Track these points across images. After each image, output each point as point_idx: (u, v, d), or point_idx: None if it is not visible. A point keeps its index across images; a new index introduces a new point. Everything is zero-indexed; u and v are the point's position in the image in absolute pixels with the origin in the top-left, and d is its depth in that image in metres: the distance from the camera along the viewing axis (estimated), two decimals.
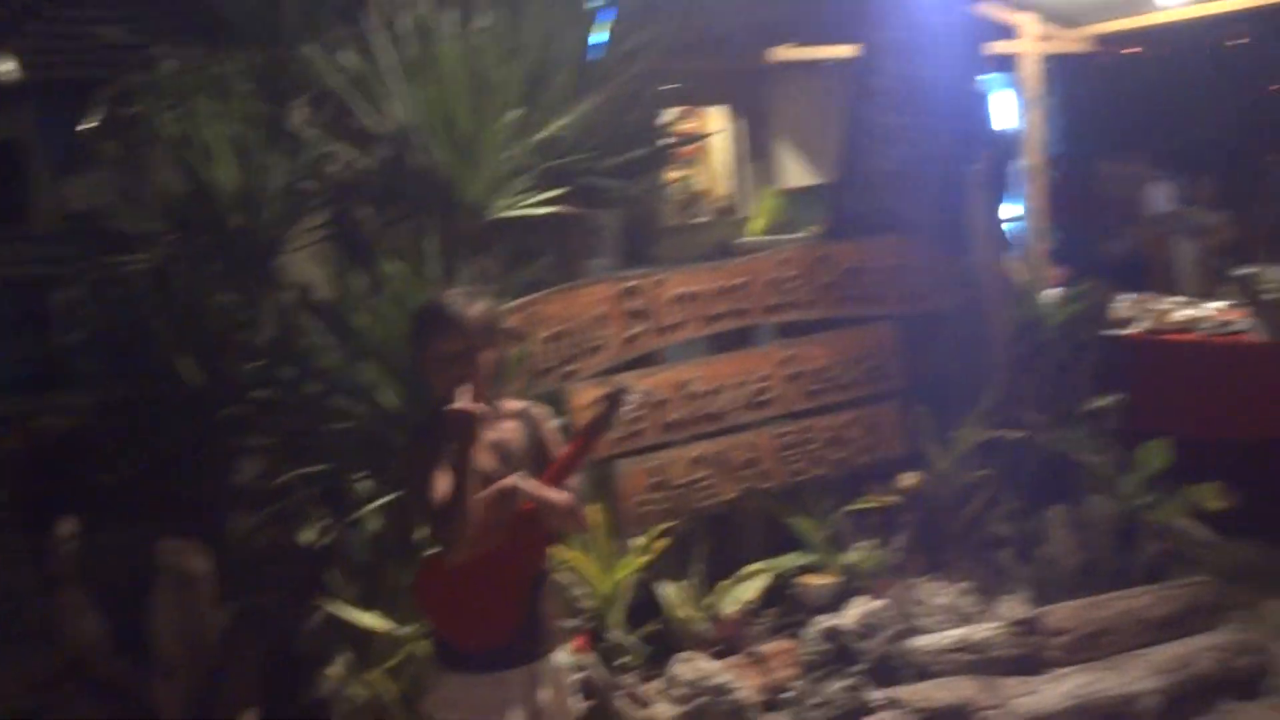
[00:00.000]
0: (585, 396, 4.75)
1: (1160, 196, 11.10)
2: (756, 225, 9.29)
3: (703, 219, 9.31)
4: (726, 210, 9.66)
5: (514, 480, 3.54)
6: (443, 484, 3.36)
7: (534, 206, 5.08)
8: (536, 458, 3.69)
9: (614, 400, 3.91)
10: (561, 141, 5.26)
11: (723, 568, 5.01)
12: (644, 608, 4.83)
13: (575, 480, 3.72)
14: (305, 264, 5.08)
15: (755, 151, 9.77)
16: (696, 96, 8.37)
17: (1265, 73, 12.86)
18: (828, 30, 8.40)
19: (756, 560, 5.06)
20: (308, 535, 4.52)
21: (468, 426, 3.44)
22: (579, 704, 3.95)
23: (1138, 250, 9.27)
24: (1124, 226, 10.11)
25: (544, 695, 3.63)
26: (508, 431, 3.68)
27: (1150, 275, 8.64)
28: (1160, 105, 12.28)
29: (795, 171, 9.78)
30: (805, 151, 9.83)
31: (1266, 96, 13.21)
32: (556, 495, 3.60)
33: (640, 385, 4.79)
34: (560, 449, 3.79)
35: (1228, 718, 4.81)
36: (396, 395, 4.46)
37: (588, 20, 5.52)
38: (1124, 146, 11.53)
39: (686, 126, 7.54)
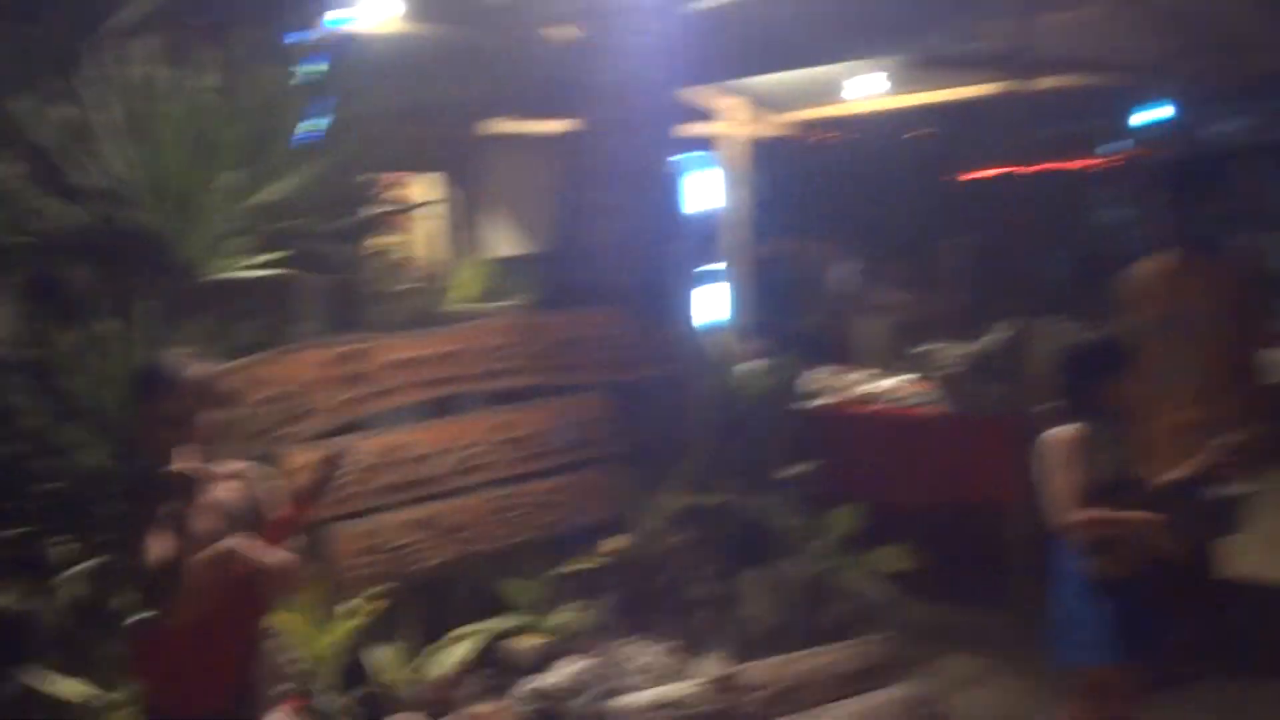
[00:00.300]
0: (301, 459, 4.75)
1: (849, 275, 11.74)
2: (464, 293, 9.39)
3: (411, 285, 9.37)
4: (435, 277, 9.73)
5: (232, 542, 3.56)
6: (159, 546, 3.34)
7: (252, 269, 5.09)
8: (256, 519, 3.71)
9: (332, 464, 3.97)
10: (282, 205, 5.30)
11: (435, 630, 5.06)
12: (356, 671, 4.85)
13: (293, 542, 3.76)
14: (6, 321, 4.94)
15: (466, 219, 9.90)
16: (412, 163, 8.47)
17: (946, 162, 13.80)
18: (539, 106, 8.64)
19: (468, 622, 5.13)
20: (4, 601, 4.38)
21: (184, 488, 3.45)
22: None
23: (828, 325, 9.77)
24: (816, 302, 10.65)
25: None
26: (228, 492, 3.69)
27: (839, 349, 9.10)
28: (852, 189, 13.00)
29: (504, 240, 9.95)
30: (514, 221, 10.00)
31: (946, 184, 14.17)
32: (274, 558, 3.63)
33: (357, 449, 4.83)
34: (280, 511, 3.83)
35: None
36: (105, 456, 4.38)
37: (313, 86, 5.59)
38: (818, 227, 12.16)
39: (400, 193, 7.63)
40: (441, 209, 9.36)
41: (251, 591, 3.63)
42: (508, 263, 9.60)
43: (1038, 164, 16.00)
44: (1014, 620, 6.18)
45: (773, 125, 9.77)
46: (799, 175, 12.53)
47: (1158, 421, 5.26)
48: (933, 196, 13.86)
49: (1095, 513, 4.31)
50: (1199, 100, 13.48)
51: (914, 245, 12.22)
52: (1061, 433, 4.41)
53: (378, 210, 6.23)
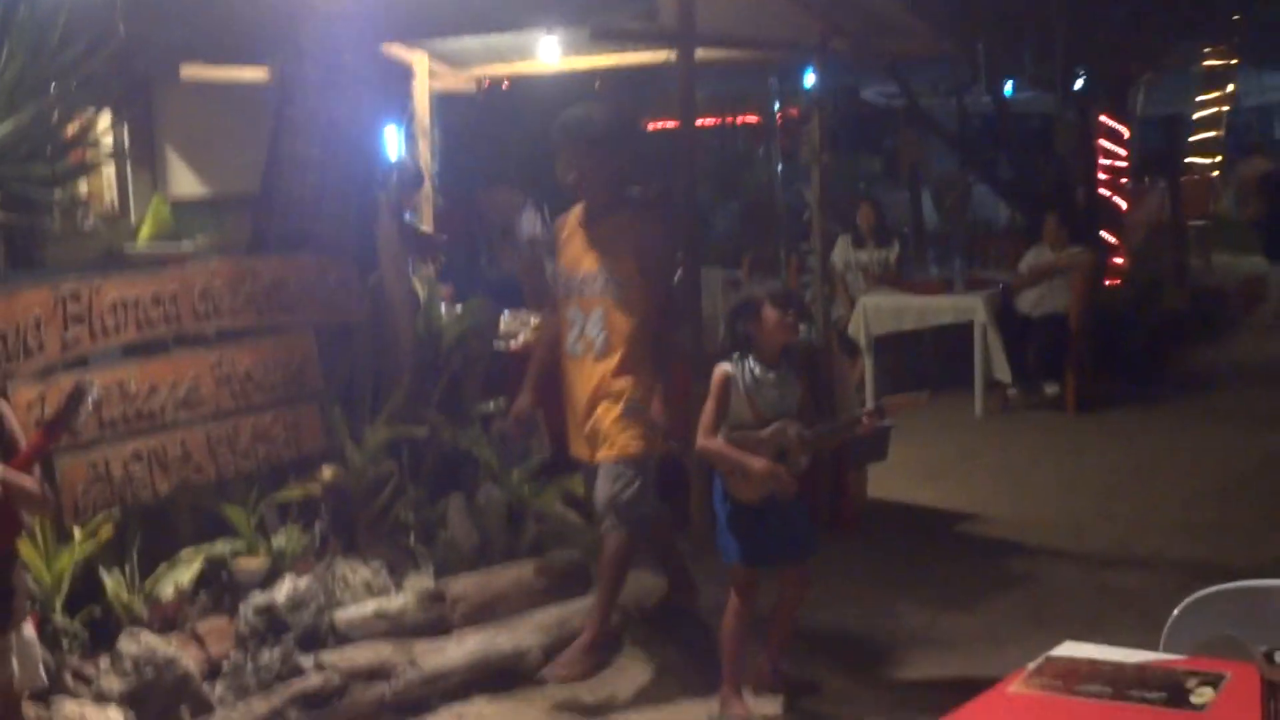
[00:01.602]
0: (26, 395, 4.96)
1: (531, 221, 12.29)
2: (145, 234, 9.46)
3: (91, 225, 9.37)
4: (114, 217, 9.75)
5: None
6: None
7: None
8: (3, 447, 4.00)
9: (78, 395, 4.29)
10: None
11: (161, 554, 5.37)
12: (85, 593, 5.12)
13: (36, 469, 4.07)
14: None
15: (151, 159, 9.95)
16: (100, 102, 8.51)
17: (625, 116, 14.46)
18: (232, 53, 8.81)
19: (191, 547, 5.45)
20: None
21: None
22: (43, 677, 4.28)
23: (514, 270, 10.30)
24: (501, 248, 11.16)
25: (14, 666, 3.96)
26: None
27: (525, 293, 9.63)
28: (531, 140, 13.54)
29: (184, 182, 10.05)
30: (195, 163, 10.10)
31: (636, 133, 14.86)
32: (28, 481, 3.95)
33: (96, 384, 5.06)
34: (26, 440, 4.13)
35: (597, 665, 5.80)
36: None
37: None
38: (499, 176, 12.67)
39: (92, 133, 7.68)
40: (128, 148, 9.43)
41: (5, 511, 3.94)
42: (186, 204, 9.75)
43: (705, 120, 17.03)
44: (685, 537, 6.91)
45: (456, 79, 10.18)
46: (480, 127, 13.00)
47: (579, 374, 5.73)
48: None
49: (714, 445, 5.08)
50: (852, 70, 14.68)
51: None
52: (717, 369, 5.15)
53: (77, 153, 6.39)
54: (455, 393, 6.73)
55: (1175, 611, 3.33)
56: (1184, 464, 8.89)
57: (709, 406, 5.11)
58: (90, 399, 4.57)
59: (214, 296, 5.77)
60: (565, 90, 13.07)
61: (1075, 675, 2.90)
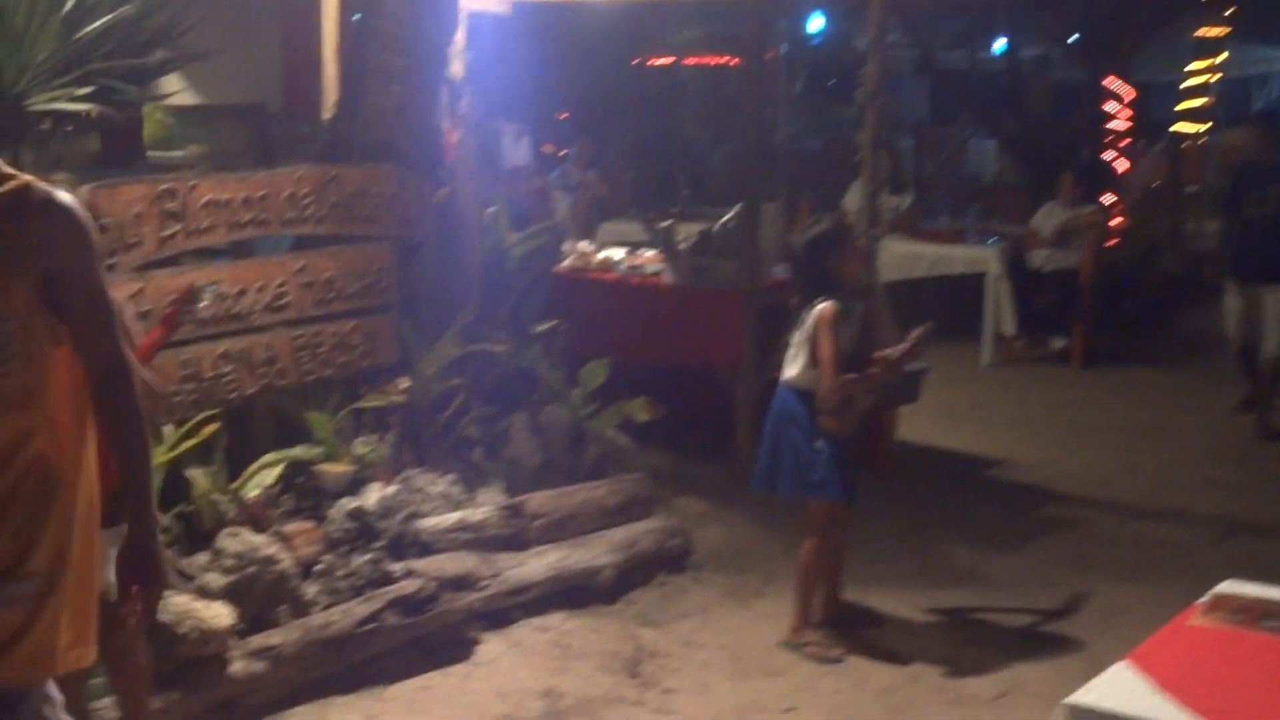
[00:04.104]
0: (126, 289, 4.96)
1: (525, 150, 12.25)
2: (150, 136, 9.39)
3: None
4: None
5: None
6: None
7: (71, 102, 5.24)
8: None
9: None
10: (92, 41, 5.44)
11: (245, 456, 5.41)
12: (171, 492, 5.15)
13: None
14: None
15: None
16: None
17: (634, 47, 14.48)
18: None
19: (272, 451, 5.49)
20: None
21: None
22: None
23: (518, 198, 10.30)
24: (504, 177, 11.17)
25: None
26: None
27: (533, 222, 9.63)
28: (546, 69, 13.50)
29: (182, 89, 9.93)
30: (186, 72, 9.98)
31: (633, 68, 14.89)
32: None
33: (202, 282, 5.08)
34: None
35: (663, 586, 5.91)
36: None
37: None
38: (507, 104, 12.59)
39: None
40: None
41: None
42: (182, 110, 9.64)
43: (705, 57, 17.00)
44: (733, 469, 7.04)
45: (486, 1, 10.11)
46: (504, 52, 12.91)
47: None
48: (621, 78, 14.59)
49: (850, 378, 5.17)
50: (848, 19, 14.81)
51: (603, 124, 12.89)
52: (824, 308, 5.21)
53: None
54: (519, 312, 6.77)
55: None
56: (1197, 423, 9.08)
57: (829, 343, 5.13)
58: (203, 300, 4.63)
59: (299, 203, 5.77)
60: (580, 25, 13.03)
61: (1255, 610, 3.03)
